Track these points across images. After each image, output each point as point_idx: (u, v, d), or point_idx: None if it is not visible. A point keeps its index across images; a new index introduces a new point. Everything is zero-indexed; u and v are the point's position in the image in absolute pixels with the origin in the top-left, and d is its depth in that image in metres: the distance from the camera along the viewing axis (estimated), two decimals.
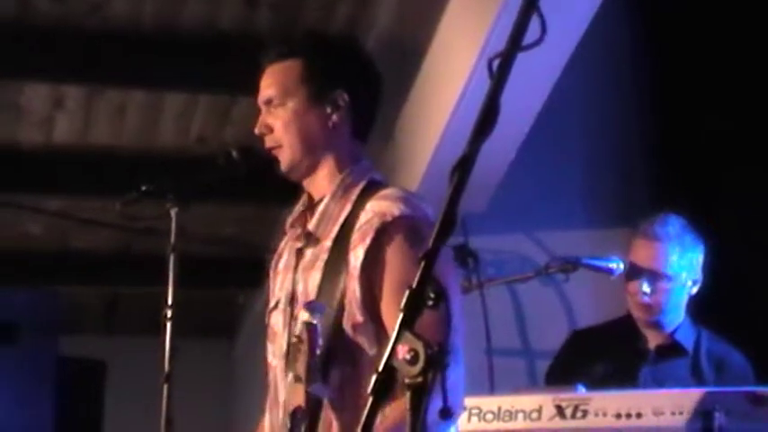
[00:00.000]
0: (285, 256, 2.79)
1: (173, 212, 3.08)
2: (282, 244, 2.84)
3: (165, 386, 3.07)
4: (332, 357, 2.48)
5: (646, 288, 3.88)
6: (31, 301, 6.78)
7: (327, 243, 2.61)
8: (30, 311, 6.70)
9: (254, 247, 8.14)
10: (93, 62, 5.75)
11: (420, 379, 1.61)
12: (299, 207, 2.79)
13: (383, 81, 2.78)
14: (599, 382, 3.64)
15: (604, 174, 5.38)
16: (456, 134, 4.60)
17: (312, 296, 2.58)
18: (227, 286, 8.79)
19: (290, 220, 2.79)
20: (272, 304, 2.75)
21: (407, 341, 1.62)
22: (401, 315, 1.63)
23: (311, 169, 2.70)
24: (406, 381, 1.62)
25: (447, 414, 1.65)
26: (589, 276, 4.28)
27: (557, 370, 4.10)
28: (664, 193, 4.72)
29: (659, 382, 3.86)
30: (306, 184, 2.74)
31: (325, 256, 2.60)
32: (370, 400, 1.63)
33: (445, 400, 1.63)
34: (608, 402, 3.24)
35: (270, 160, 2.74)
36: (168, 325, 3.04)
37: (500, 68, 1.71)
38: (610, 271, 4.02)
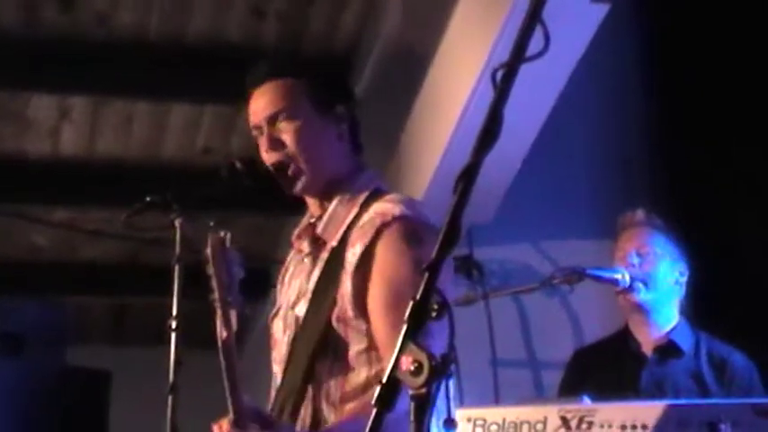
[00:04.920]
0: (291, 269, 2.80)
1: (177, 223, 3.08)
2: (289, 257, 2.86)
3: (170, 397, 3.07)
4: (320, 350, 2.50)
5: (635, 259, 3.92)
6: (38, 312, 6.78)
7: (332, 244, 2.62)
8: (36, 322, 6.70)
9: (260, 258, 8.15)
10: (99, 73, 5.76)
11: (424, 390, 1.61)
12: (305, 220, 2.80)
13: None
14: (602, 393, 3.64)
15: (609, 184, 5.38)
16: (461, 144, 4.60)
17: (309, 294, 2.60)
18: None
19: (296, 231, 2.80)
20: (273, 311, 2.77)
21: (411, 352, 1.62)
22: (405, 326, 1.63)
23: (323, 182, 2.70)
24: (411, 392, 1.62)
25: (451, 425, 1.66)
26: (594, 287, 4.28)
27: (564, 390, 4.11)
28: (669, 204, 4.72)
29: (659, 386, 3.86)
30: (314, 197, 2.74)
31: (325, 256, 2.62)
32: (375, 410, 1.63)
33: (449, 411, 1.63)
34: (613, 414, 3.23)
35: (266, 169, 2.74)
36: (173, 336, 3.05)
37: (504, 79, 1.71)
38: (615, 282, 4.02)
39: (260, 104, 2.70)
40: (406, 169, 5.37)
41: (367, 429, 1.64)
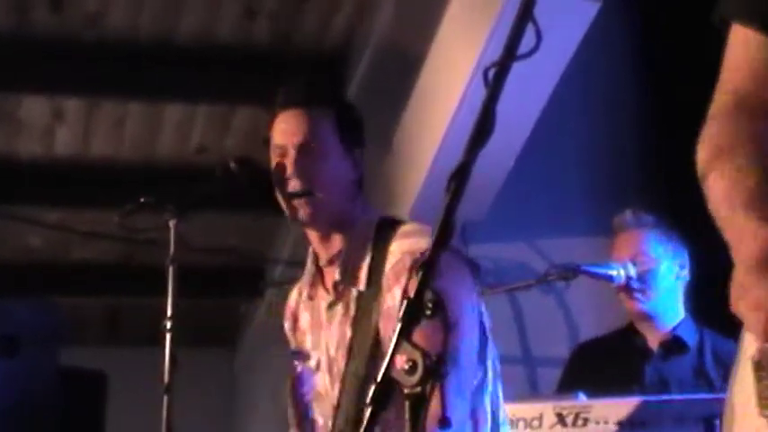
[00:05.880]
0: (307, 315, 2.77)
1: (171, 223, 3.08)
2: (293, 304, 2.83)
3: (166, 397, 3.07)
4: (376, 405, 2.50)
5: (632, 271, 3.91)
6: (32, 313, 6.77)
7: (359, 289, 2.61)
8: (30, 323, 6.70)
9: (255, 257, 8.15)
10: (91, 74, 5.76)
11: (418, 389, 1.61)
12: (310, 266, 2.77)
13: None
14: (605, 386, 3.65)
15: (603, 181, 5.39)
16: (454, 143, 4.60)
17: (351, 343, 2.58)
18: (229, 296, 8.79)
19: (305, 279, 2.78)
20: (312, 364, 2.73)
21: (406, 351, 1.62)
22: (399, 325, 1.63)
23: (332, 220, 2.69)
24: (405, 391, 1.62)
25: (445, 423, 1.66)
26: (589, 284, 4.28)
27: (565, 384, 4.10)
28: (663, 200, 4.73)
29: (664, 381, 3.87)
30: (318, 230, 2.71)
31: (353, 306, 2.60)
32: (369, 410, 1.63)
33: (444, 409, 1.63)
34: (609, 410, 3.24)
35: (266, 169, 2.73)
36: (168, 336, 3.05)
37: (495, 78, 1.71)
38: (610, 278, 4.02)
39: (291, 128, 2.68)
40: (399, 168, 5.37)
41: (362, 429, 1.64)
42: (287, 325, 2.86)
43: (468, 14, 4.50)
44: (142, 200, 3.08)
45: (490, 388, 2.60)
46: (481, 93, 1.74)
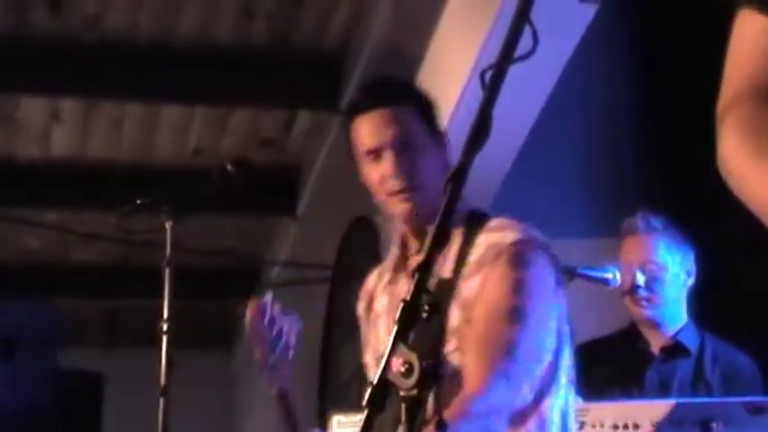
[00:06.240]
0: (383, 300, 2.77)
1: (168, 225, 3.08)
2: (371, 286, 2.83)
3: (162, 398, 3.07)
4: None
5: (639, 278, 3.89)
6: (30, 315, 6.76)
7: (444, 276, 2.59)
8: (28, 325, 6.69)
9: (252, 258, 8.15)
10: (89, 75, 5.76)
11: (415, 392, 1.61)
12: (395, 253, 2.76)
13: None
14: (605, 387, 3.64)
15: (601, 183, 5.38)
16: (452, 145, 4.59)
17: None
18: (226, 297, 8.78)
19: (388, 265, 2.77)
20: (382, 350, 2.72)
21: (402, 354, 1.61)
22: (395, 327, 1.63)
23: (432, 215, 2.69)
24: (401, 394, 1.62)
25: (442, 426, 1.66)
26: (588, 284, 4.27)
27: None
28: (661, 202, 4.73)
29: (664, 385, 3.86)
30: (415, 225, 2.69)
31: (434, 287, 2.60)
32: (366, 412, 1.63)
33: (439, 412, 1.63)
34: (605, 413, 3.23)
35: (257, 170, 2.73)
36: (164, 338, 3.05)
37: (492, 80, 1.71)
38: (605, 281, 4.01)
39: (381, 128, 2.64)
40: None
41: (359, 429, 1.64)
42: (361, 305, 2.85)
43: (466, 16, 4.50)
44: (139, 201, 3.08)
45: (562, 393, 2.60)
46: (478, 95, 1.74)
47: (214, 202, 2.93)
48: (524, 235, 2.61)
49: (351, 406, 4.16)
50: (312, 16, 5.58)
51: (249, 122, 6.38)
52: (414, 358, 1.60)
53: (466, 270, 2.56)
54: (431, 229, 2.62)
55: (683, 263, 3.96)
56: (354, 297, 2.90)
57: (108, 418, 7.36)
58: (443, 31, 4.78)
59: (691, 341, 3.97)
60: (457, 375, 2.49)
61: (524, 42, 1.75)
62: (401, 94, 2.71)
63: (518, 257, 2.54)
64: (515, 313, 2.49)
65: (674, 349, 3.97)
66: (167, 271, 3.09)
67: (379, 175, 2.64)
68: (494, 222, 2.65)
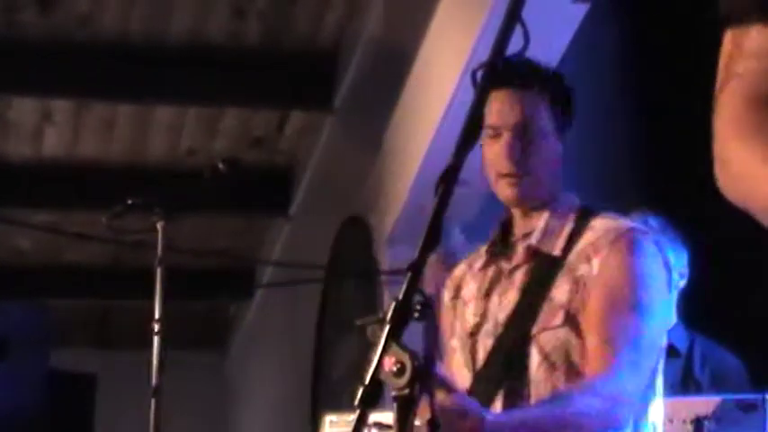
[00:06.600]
0: (472, 287, 2.77)
1: (159, 226, 3.08)
2: (458, 275, 2.82)
3: (154, 399, 3.07)
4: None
5: None
6: (22, 316, 6.76)
7: (553, 254, 2.62)
8: (20, 326, 6.68)
9: (245, 258, 8.14)
10: (81, 75, 5.75)
11: (407, 391, 1.61)
12: (496, 236, 2.75)
13: None
14: None
15: (591, 181, 5.38)
16: (444, 144, 4.60)
17: (511, 305, 2.59)
18: (219, 298, 8.78)
19: (483, 250, 2.77)
20: (470, 328, 2.70)
21: (394, 353, 1.61)
22: (387, 327, 1.63)
23: (539, 201, 2.71)
24: (393, 393, 1.62)
25: (435, 426, 1.65)
26: None
27: None
28: (652, 202, 4.73)
29: None
30: (523, 208, 2.71)
31: (538, 269, 2.62)
32: (358, 411, 1.63)
33: (432, 411, 1.63)
34: None
35: (249, 170, 2.73)
36: (156, 339, 3.04)
37: (483, 79, 1.71)
38: None
39: (506, 109, 2.67)
40: (389, 170, 5.36)
41: (350, 429, 1.64)
42: (447, 294, 2.83)
43: (458, 16, 4.50)
44: (129, 202, 3.08)
45: (654, 399, 2.63)
46: (471, 94, 1.74)
47: (206, 203, 2.92)
48: (642, 227, 2.70)
49: (343, 406, 4.17)
50: (304, 16, 5.58)
51: (242, 122, 6.37)
52: (406, 358, 1.60)
53: (579, 249, 2.59)
54: (540, 214, 2.64)
55: (677, 264, 3.96)
56: (347, 297, 2.91)
57: (100, 419, 7.35)
58: (436, 30, 4.78)
59: (680, 342, 3.97)
60: (565, 352, 2.53)
61: (516, 42, 1.75)
62: (536, 79, 2.73)
63: (637, 245, 2.59)
64: (639, 304, 2.54)
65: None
66: (159, 271, 3.08)
67: (494, 153, 2.66)
68: (606, 213, 2.71)
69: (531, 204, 2.69)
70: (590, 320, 2.53)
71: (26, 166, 6.66)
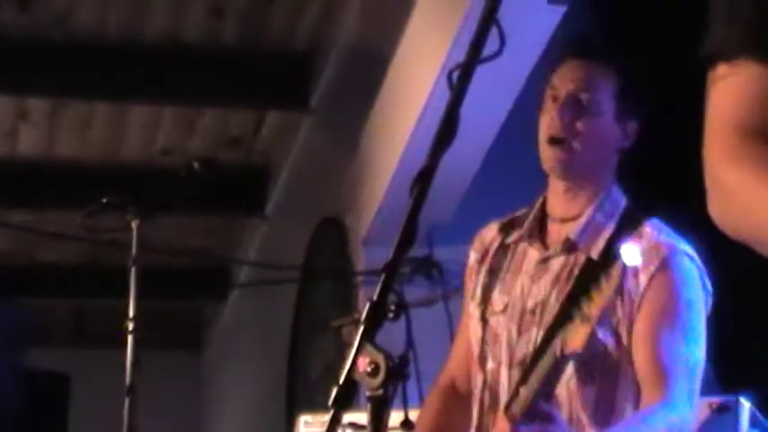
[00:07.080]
0: (499, 255, 2.73)
1: (134, 225, 3.07)
2: (488, 240, 2.79)
3: (128, 398, 3.06)
4: (587, 371, 2.51)
5: None
6: None
7: (591, 256, 2.58)
8: None
9: (221, 258, 8.13)
10: (57, 74, 5.73)
11: (381, 391, 1.61)
12: (535, 215, 2.73)
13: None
14: None
15: None
16: (420, 145, 4.60)
17: (554, 310, 2.55)
18: (194, 298, 8.76)
19: (517, 224, 2.75)
20: (498, 307, 2.66)
21: (368, 353, 1.61)
22: (362, 327, 1.63)
23: (585, 179, 2.66)
24: (368, 393, 1.62)
25: (409, 426, 1.66)
26: None
27: None
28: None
29: None
30: (567, 189, 2.67)
31: (578, 270, 2.58)
32: (332, 411, 1.63)
33: (405, 411, 1.63)
34: None
35: (225, 170, 2.72)
36: (130, 338, 3.03)
37: (459, 80, 1.71)
38: None
39: (569, 75, 2.66)
40: (366, 171, 5.37)
41: (325, 429, 1.64)
42: (474, 257, 2.79)
43: (435, 17, 4.51)
44: (105, 201, 3.07)
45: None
46: (447, 95, 1.74)
47: (181, 202, 2.92)
48: (691, 252, 2.61)
49: (318, 406, 4.16)
50: (281, 16, 5.57)
51: (218, 122, 6.36)
52: (380, 358, 1.60)
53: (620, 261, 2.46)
54: (585, 204, 2.59)
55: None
56: (323, 297, 2.89)
57: (75, 418, 7.33)
58: (412, 31, 4.79)
59: None
60: (601, 359, 2.52)
61: (492, 43, 1.76)
62: (606, 56, 2.71)
63: (684, 268, 2.56)
64: (690, 329, 2.54)
65: None
66: (133, 270, 3.08)
67: (549, 116, 2.66)
68: (652, 222, 2.64)
69: (575, 182, 2.65)
70: (640, 340, 2.52)
71: (1, 164, 6.63)
